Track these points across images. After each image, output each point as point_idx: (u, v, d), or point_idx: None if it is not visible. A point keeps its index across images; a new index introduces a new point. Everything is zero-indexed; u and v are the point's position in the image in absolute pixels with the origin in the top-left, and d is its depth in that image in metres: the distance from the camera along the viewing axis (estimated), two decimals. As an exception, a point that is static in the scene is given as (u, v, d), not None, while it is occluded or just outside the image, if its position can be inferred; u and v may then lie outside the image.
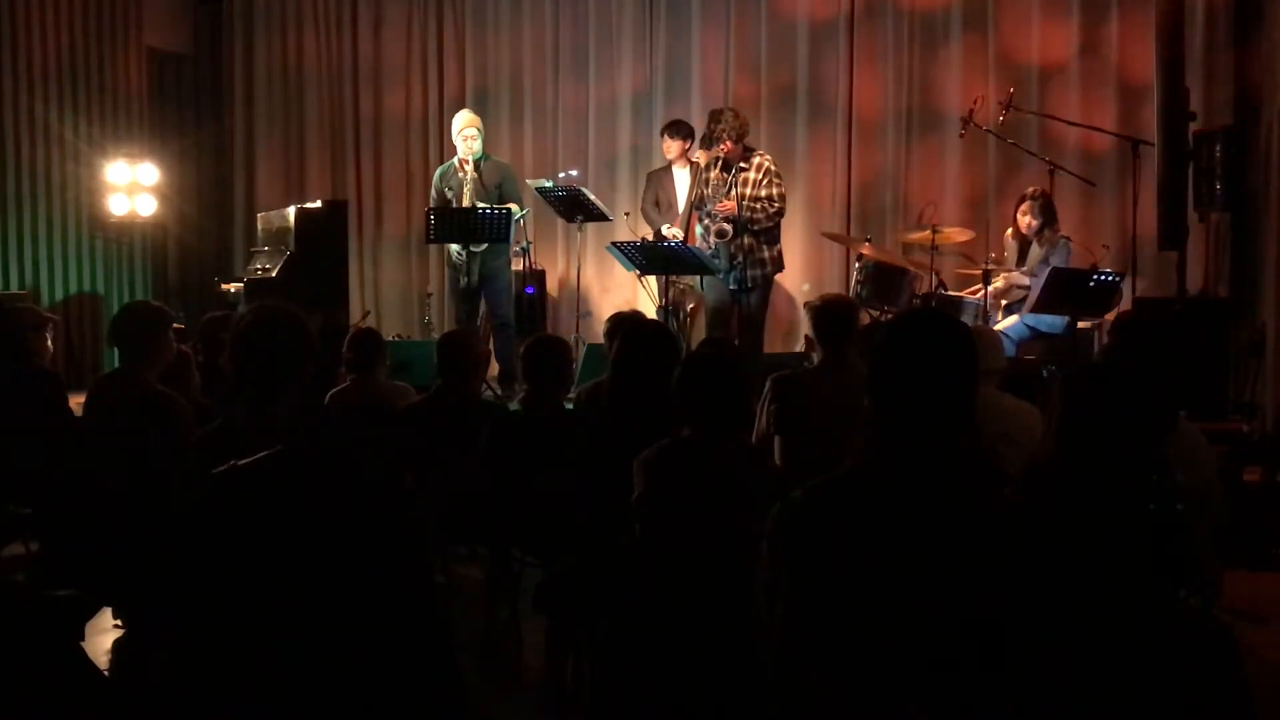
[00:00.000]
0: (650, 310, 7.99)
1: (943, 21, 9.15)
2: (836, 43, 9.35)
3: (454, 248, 8.23)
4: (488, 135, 8.69)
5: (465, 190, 8.27)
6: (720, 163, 7.53)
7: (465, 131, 8.33)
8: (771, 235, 7.57)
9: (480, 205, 8.11)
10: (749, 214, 7.41)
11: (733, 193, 7.44)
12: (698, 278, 7.95)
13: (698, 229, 7.84)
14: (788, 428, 4.60)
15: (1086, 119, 8.52)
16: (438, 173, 8.65)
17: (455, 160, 8.44)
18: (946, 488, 2.18)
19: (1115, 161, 8.47)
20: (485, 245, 8.11)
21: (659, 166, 8.83)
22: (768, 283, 7.69)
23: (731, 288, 7.52)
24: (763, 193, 7.45)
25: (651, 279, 7.88)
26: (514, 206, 8.28)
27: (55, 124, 9.17)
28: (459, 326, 8.21)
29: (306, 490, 2.36)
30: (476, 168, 8.31)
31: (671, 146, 8.56)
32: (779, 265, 7.72)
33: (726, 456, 3.51)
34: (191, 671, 2.34)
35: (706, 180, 7.64)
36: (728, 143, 7.39)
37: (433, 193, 8.58)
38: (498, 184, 8.34)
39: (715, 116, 7.49)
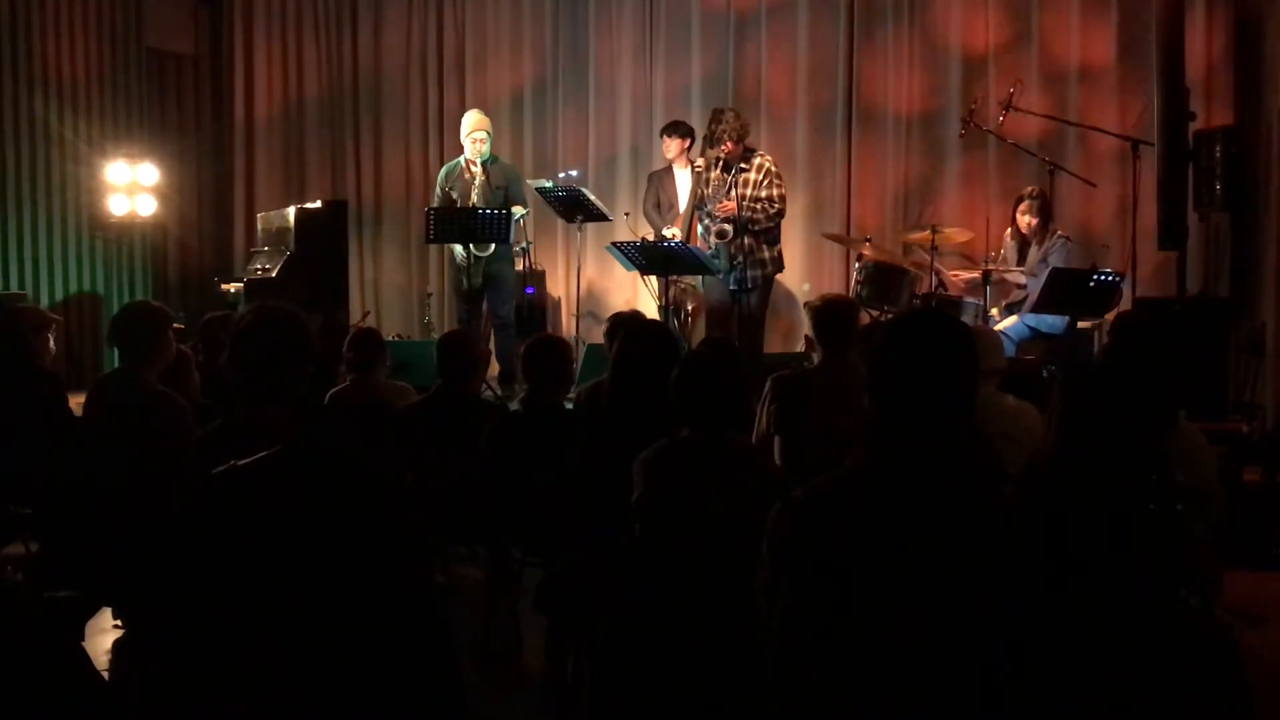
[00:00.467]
0: (651, 310, 7.98)
1: (941, 14, 9.15)
2: (836, 40, 9.34)
3: (458, 249, 8.21)
4: (487, 136, 8.68)
5: (473, 192, 8.25)
6: (720, 163, 7.53)
7: (475, 134, 8.31)
8: (771, 235, 7.57)
9: (481, 207, 8.09)
10: (749, 214, 7.41)
11: (732, 193, 7.44)
12: (699, 278, 7.95)
13: (699, 229, 7.84)
14: (788, 428, 4.60)
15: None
16: (442, 172, 8.63)
17: (461, 161, 8.42)
18: (947, 488, 2.18)
19: (1115, 161, 8.47)
20: (491, 249, 8.10)
21: (660, 167, 8.83)
22: (768, 283, 7.69)
23: (731, 288, 7.52)
24: (763, 193, 7.44)
25: (654, 278, 7.88)
26: (518, 208, 8.29)
27: (55, 124, 9.16)
28: (460, 326, 8.21)
29: (306, 490, 2.36)
30: (484, 170, 8.29)
31: (671, 146, 8.56)
32: (779, 265, 7.72)
33: (726, 456, 3.51)
34: (191, 671, 2.34)
35: (707, 181, 7.63)
36: (728, 143, 7.39)
37: (436, 191, 8.57)
38: (503, 186, 8.34)
39: (716, 117, 7.49)
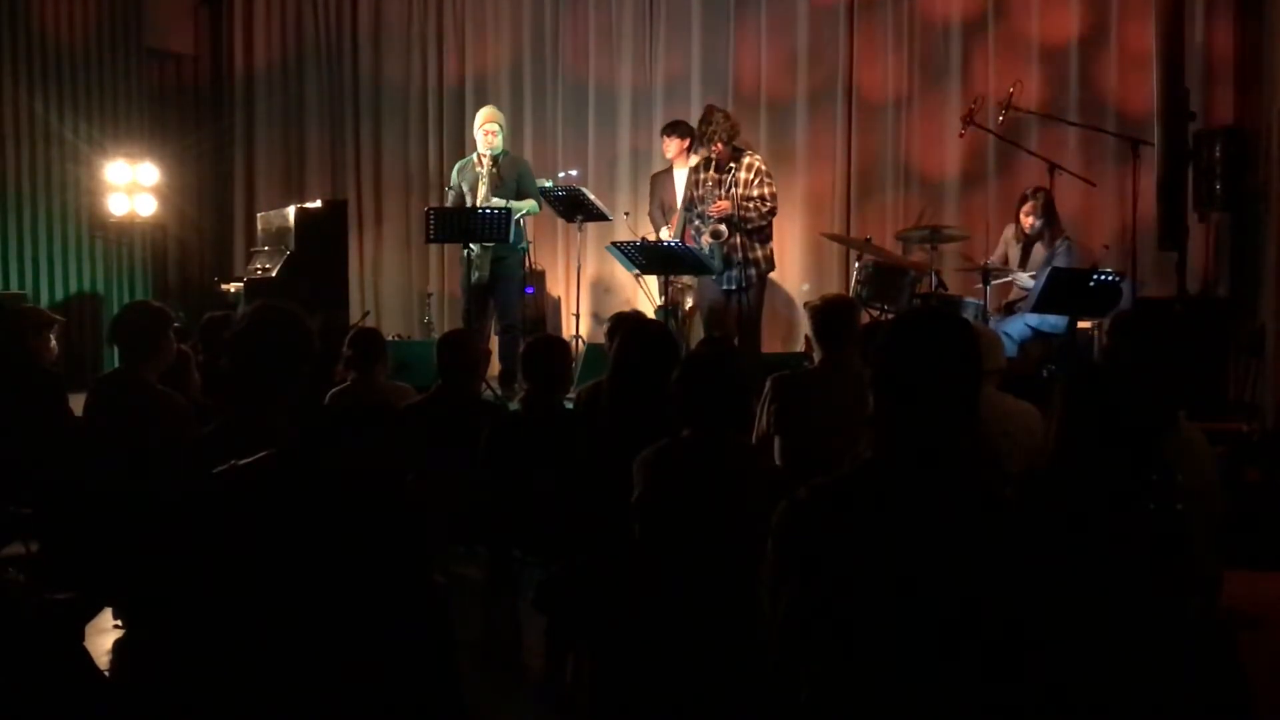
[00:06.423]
0: (650, 310, 7.98)
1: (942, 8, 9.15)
2: (837, 35, 9.33)
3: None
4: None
5: (481, 185, 8.18)
6: (712, 164, 7.53)
7: (487, 126, 8.21)
8: (764, 234, 7.57)
9: (483, 206, 8.05)
10: (743, 213, 7.42)
11: (727, 193, 7.44)
12: (693, 277, 7.95)
13: (691, 230, 7.83)
14: (788, 428, 4.59)
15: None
16: (456, 167, 8.56)
17: (474, 155, 8.37)
18: (950, 487, 2.18)
19: (1115, 161, 8.47)
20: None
21: (660, 169, 8.80)
22: (762, 281, 7.69)
23: (727, 288, 7.53)
24: (755, 192, 7.45)
25: (652, 279, 7.87)
26: (533, 202, 8.26)
27: (55, 124, 9.16)
28: (466, 323, 8.13)
29: (306, 490, 2.37)
30: (495, 163, 8.24)
31: (671, 146, 8.54)
32: (771, 264, 7.72)
33: (726, 456, 3.51)
34: (191, 671, 2.34)
35: (698, 182, 7.63)
36: (718, 144, 7.39)
37: (450, 188, 8.51)
38: (516, 178, 8.28)
39: (707, 117, 7.49)
